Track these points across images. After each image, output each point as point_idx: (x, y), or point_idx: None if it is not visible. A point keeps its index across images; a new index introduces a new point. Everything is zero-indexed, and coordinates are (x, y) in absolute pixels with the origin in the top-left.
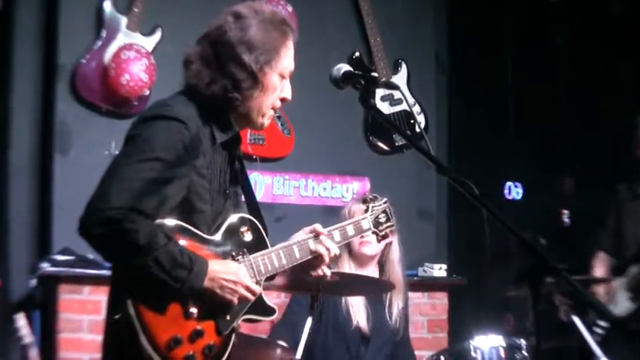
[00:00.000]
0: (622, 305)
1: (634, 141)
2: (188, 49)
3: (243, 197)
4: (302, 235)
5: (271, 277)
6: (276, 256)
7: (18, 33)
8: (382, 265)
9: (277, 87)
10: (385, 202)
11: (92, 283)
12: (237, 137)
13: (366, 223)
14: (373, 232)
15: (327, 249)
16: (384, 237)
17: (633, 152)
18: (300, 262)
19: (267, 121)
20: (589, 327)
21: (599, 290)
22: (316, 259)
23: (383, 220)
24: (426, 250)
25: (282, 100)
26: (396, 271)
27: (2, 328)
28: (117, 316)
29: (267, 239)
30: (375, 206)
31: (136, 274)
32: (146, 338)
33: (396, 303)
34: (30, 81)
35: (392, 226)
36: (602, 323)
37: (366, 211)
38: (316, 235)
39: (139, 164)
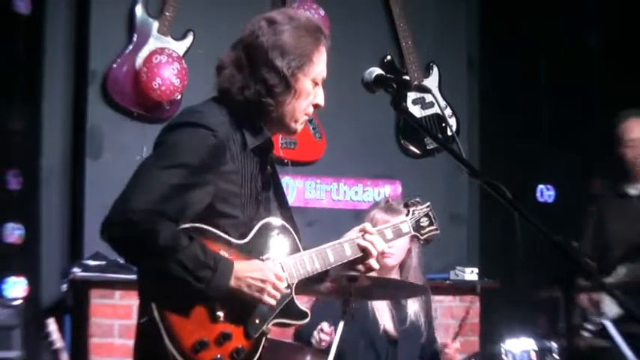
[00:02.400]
0: (611, 309)
1: (614, 140)
2: (221, 54)
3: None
4: (352, 234)
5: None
6: (308, 260)
7: (49, 38)
8: (402, 269)
9: (310, 93)
10: (428, 206)
11: (123, 287)
12: (268, 142)
13: (406, 227)
14: (414, 236)
15: (372, 243)
16: (427, 241)
17: (614, 151)
18: (335, 265)
19: (300, 127)
20: (578, 328)
21: (583, 298)
22: (363, 256)
23: (425, 224)
24: (457, 253)
25: (315, 106)
26: (417, 276)
27: (33, 333)
28: (142, 320)
29: (299, 243)
30: (417, 210)
31: (160, 277)
32: (171, 341)
33: (412, 304)
34: (61, 85)
35: (435, 230)
36: (590, 326)
37: (407, 214)
38: (363, 234)
39: (164, 170)
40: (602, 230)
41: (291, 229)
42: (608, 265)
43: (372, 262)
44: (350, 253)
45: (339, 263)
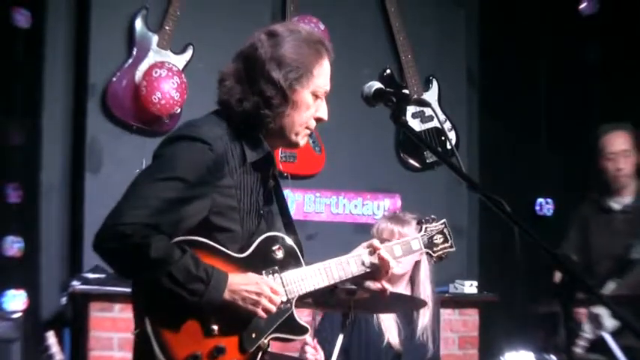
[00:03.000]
0: (609, 324)
1: (598, 152)
2: (224, 67)
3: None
4: (358, 250)
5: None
6: (310, 275)
7: (49, 52)
8: (413, 281)
9: (310, 105)
10: (443, 224)
11: (123, 300)
12: (268, 157)
13: (416, 244)
14: (427, 254)
15: (384, 261)
16: (440, 258)
17: (597, 164)
18: (339, 281)
19: (302, 140)
20: (575, 337)
21: (582, 313)
22: (370, 273)
23: (439, 241)
24: (457, 266)
25: (318, 120)
26: (425, 288)
27: (33, 346)
28: (136, 332)
29: (302, 258)
30: (430, 227)
31: (153, 290)
32: (163, 355)
33: (422, 319)
34: (61, 99)
35: (450, 247)
36: (582, 342)
37: (420, 231)
38: (373, 250)
39: (158, 183)
40: (586, 245)
41: (293, 244)
42: (595, 280)
43: (384, 283)
44: (356, 269)
45: (344, 279)
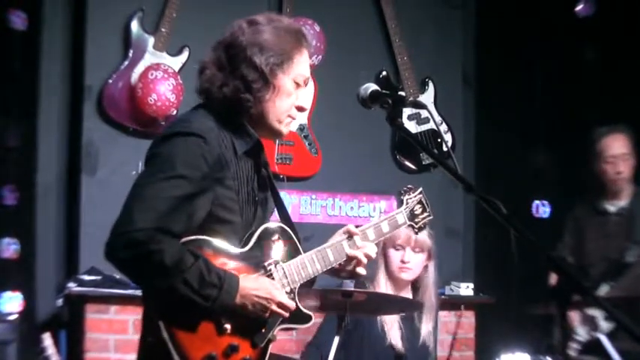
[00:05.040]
0: (603, 326)
1: (593, 155)
2: (204, 58)
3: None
4: (338, 236)
5: (311, 282)
6: (309, 262)
7: (45, 54)
8: (416, 286)
9: (291, 93)
10: (420, 193)
11: (119, 302)
12: (258, 145)
13: (401, 218)
14: (409, 226)
15: (359, 248)
16: (421, 229)
17: (592, 166)
18: (335, 264)
19: (284, 129)
20: (569, 337)
21: (574, 316)
22: (352, 260)
23: (419, 211)
24: (453, 268)
25: (299, 108)
26: (430, 294)
27: (29, 348)
28: (149, 339)
29: (299, 245)
30: (410, 198)
31: (167, 296)
32: (180, 359)
33: (426, 323)
34: (57, 101)
35: (429, 216)
36: (575, 344)
37: (401, 204)
38: (350, 236)
39: (161, 183)
40: (580, 247)
41: (290, 231)
42: (590, 282)
43: (360, 270)
44: (349, 250)
45: (339, 262)
